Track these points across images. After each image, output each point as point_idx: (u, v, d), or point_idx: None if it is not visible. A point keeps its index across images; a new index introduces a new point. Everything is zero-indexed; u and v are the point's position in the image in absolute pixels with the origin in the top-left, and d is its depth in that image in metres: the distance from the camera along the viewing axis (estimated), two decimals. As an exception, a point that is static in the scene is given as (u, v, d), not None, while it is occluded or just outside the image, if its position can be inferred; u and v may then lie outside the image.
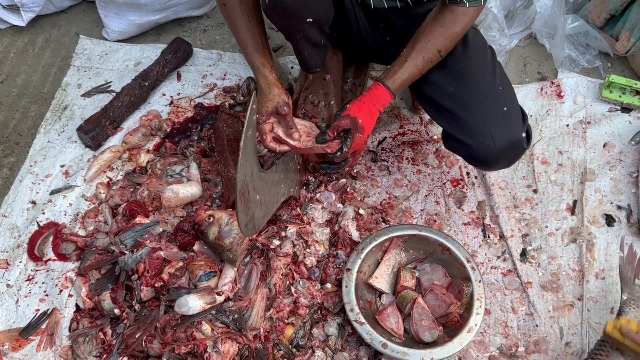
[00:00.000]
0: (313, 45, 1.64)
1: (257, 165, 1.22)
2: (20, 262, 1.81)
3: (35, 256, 1.81)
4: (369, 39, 1.78)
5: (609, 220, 1.85)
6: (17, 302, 1.74)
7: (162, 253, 1.62)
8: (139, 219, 1.69)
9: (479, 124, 1.57)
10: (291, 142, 1.54)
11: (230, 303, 1.54)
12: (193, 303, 1.47)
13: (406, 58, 1.54)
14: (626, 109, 2.09)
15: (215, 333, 1.51)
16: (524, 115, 1.62)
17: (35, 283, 1.78)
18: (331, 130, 1.52)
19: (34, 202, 1.93)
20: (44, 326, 1.69)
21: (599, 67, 2.22)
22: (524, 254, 1.80)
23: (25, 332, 1.67)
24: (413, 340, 1.62)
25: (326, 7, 1.54)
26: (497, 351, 1.65)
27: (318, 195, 1.82)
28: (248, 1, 1.59)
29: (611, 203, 1.89)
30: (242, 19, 1.57)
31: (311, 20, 1.51)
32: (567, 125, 2.07)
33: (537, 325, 1.67)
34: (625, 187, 1.92)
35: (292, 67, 2.27)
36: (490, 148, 1.56)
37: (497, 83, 1.61)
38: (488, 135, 1.55)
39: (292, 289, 1.65)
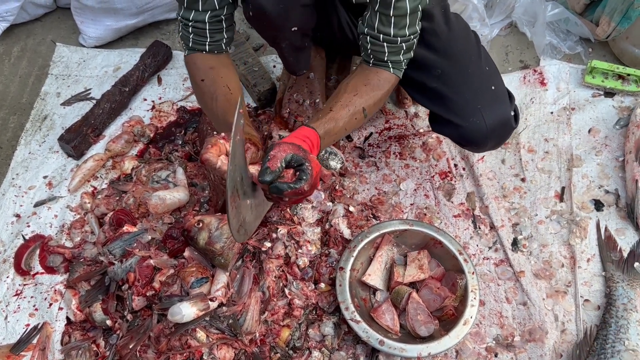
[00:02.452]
0: (297, 50, 1.63)
1: (246, 169, 1.20)
2: (7, 277, 1.78)
3: (22, 270, 1.78)
4: (351, 34, 1.77)
5: (598, 205, 1.86)
6: (6, 317, 1.71)
7: (152, 261, 1.59)
8: (126, 228, 1.67)
9: (469, 104, 1.58)
10: None
11: (224, 308, 1.52)
12: (186, 310, 1.45)
13: (331, 107, 1.46)
14: (609, 93, 2.10)
15: (211, 340, 1.49)
16: (510, 95, 1.64)
17: (24, 298, 1.74)
18: (271, 162, 1.21)
19: (18, 215, 1.90)
20: (35, 341, 1.65)
21: (580, 53, 2.23)
22: (515, 243, 1.80)
23: (16, 348, 1.63)
24: (409, 336, 1.62)
25: (310, 15, 1.53)
26: (494, 342, 1.65)
27: (307, 194, 1.81)
28: (229, 75, 1.53)
29: (599, 188, 1.90)
30: (223, 90, 1.48)
31: (296, 29, 1.50)
32: (552, 113, 2.08)
33: (531, 314, 1.68)
34: (612, 171, 1.93)
35: (274, 66, 2.25)
36: (481, 127, 1.57)
37: (483, 63, 1.63)
38: (478, 115, 1.56)
39: (286, 291, 1.63)
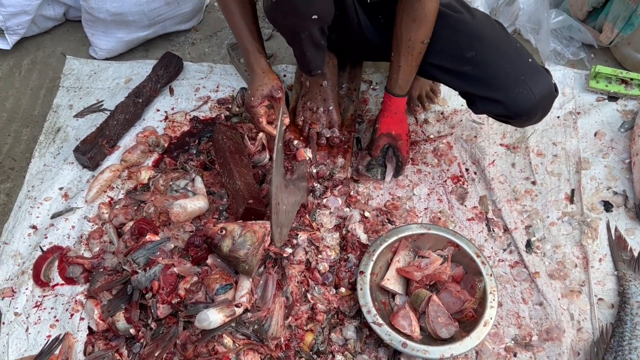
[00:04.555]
0: (315, 46, 1.65)
1: (283, 176, 1.23)
2: (27, 289, 1.78)
3: (41, 282, 1.78)
4: (369, 34, 1.80)
5: (607, 206, 1.90)
6: (27, 329, 1.71)
7: (175, 269, 1.61)
8: (148, 237, 1.68)
9: (512, 76, 1.61)
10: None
11: (249, 314, 1.54)
12: (213, 317, 1.47)
13: (399, 63, 1.68)
14: (613, 97, 2.15)
15: (237, 345, 1.51)
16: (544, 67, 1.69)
17: (44, 309, 1.75)
18: (374, 151, 1.84)
19: (35, 227, 1.90)
20: (57, 352, 1.65)
21: (583, 58, 2.28)
22: (528, 245, 1.84)
23: (39, 360, 1.64)
24: (430, 338, 1.64)
25: (329, 4, 1.56)
26: (512, 342, 1.68)
27: (325, 200, 1.83)
28: None
29: (607, 189, 1.94)
30: (237, 5, 1.63)
31: (316, 17, 1.53)
32: (558, 117, 2.12)
33: (548, 314, 1.71)
34: (619, 173, 1.98)
35: (284, 76, 2.28)
36: (530, 97, 1.60)
37: (513, 40, 1.68)
38: (524, 85, 1.60)
39: (309, 296, 1.65)
